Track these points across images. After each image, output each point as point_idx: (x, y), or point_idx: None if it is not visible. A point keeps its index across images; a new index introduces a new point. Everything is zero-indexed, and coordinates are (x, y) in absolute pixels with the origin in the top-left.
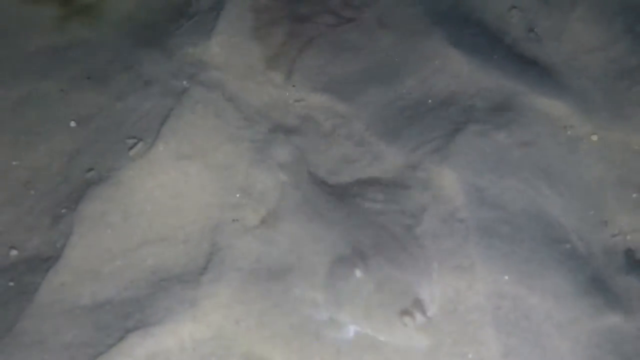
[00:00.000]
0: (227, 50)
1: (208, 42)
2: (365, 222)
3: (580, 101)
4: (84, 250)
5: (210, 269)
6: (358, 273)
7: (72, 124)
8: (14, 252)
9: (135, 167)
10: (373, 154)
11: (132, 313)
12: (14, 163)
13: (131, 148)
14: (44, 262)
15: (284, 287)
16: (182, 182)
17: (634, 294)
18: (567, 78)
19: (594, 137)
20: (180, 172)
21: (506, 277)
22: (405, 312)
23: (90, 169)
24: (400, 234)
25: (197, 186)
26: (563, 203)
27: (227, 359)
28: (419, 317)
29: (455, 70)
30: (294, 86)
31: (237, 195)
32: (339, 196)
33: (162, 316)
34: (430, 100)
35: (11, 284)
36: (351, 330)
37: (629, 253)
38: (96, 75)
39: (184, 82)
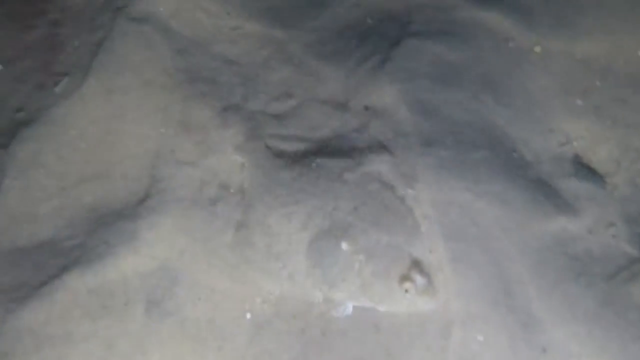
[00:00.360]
0: None
1: None
2: (335, 183)
3: (522, 13)
4: (19, 193)
5: (150, 201)
6: (344, 246)
7: None
8: None
9: (66, 105)
10: (314, 76)
11: (72, 250)
12: None
13: (57, 84)
14: None
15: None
16: (117, 117)
17: (581, 196)
18: None
19: (537, 49)
20: (115, 106)
21: (452, 185)
22: (404, 278)
23: (19, 110)
24: (378, 190)
25: (133, 120)
26: (509, 114)
27: (173, 289)
28: (419, 279)
29: None
30: (228, 14)
31: (175, 128)
32: (295, 158)
33: (102, 251)
34: (369, 20)
35: None
36: (349, 307)
37: (576, 159)
38: (20, 16)
39: (114, 15)
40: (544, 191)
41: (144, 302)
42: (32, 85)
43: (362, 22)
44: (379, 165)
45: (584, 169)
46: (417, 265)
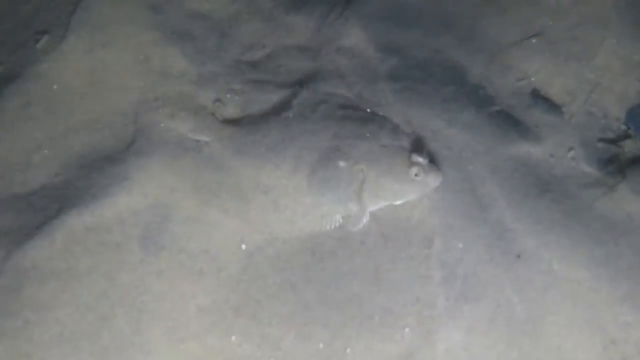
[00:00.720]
0: None
1: None
2: (308, 122)
3: None
4: (9, 144)
5: (137, 145)
6: (341, 164)
7: None
8: None
9: (48, 60)
10: (284, 28)
11: (66, 194)
12: None
13: (38, 41)
14: None
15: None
16: (99, 70)
17: (541, 125)
18: None
19: None
20: (96, 60)
21: (423, 112)
22: (410, 165)
23: (1, 65)
24: (351, 113)
25: (115, 72)
26: (469, 53)
27: (167, 225)
28: (422, 161)
29: None
30: None
31: (155, 78)
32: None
33: (96, 192)
34: None
35: None
36: (365, 217)
37: (534, 92)
38: None
39: None
40: (508, 121)
41: (140, 238)
42: (13, 44)
43: None
44: (349, 94)
45: (542, 100)
46: (415, 150)
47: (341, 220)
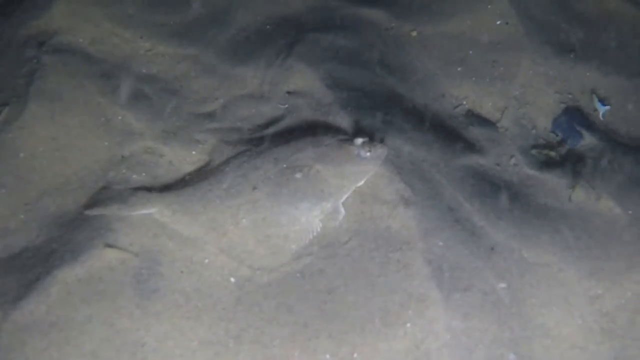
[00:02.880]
0: (69, 17)
1: (50, 12)
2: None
3: (394, 7)
4: None
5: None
6: (298, 175)
7: None
8: None
9: (12, 130)
10: (233, 79)
11: (51, 252)
12: None
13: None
14: None
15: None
16: (63, 135)
17: (481, 139)
18: None
19: (414, 33)
20: (59, 125)
21: (387, 139)
22: (357, 147)
23: None
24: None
25: (79, 135)
26: (406, 86)
27: (157, 268)
28: (364, 140)
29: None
30: (141, 38)
31: (119, 137)
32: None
33: (83, 246)
34: (267, 26)
35: None
36: (340, 211)
37: (469, 113)
38: None
39: (38, 49)
40: (454, 138)
41: (132, 284)
42: None
43: (262, 29)
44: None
45: (477, 119)
46: (356, 135)
47: (321, 223)
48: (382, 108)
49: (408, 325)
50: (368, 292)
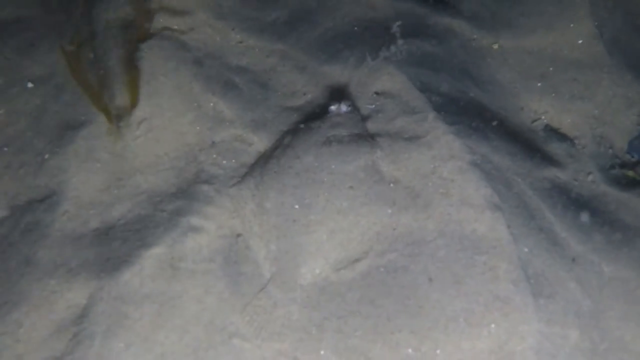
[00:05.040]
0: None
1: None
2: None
3: (478, 19)
4: (79, 184)
5: (202, 181)
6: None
7: (29, 84)
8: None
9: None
10: (321, 76)
11: (144, 227)
12: None
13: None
14: (41, 202)
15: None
16: (156, 116)
17: (560, 154)
18: (459, 3)
19: (495, 46)
20: (153, 106)
21: (473, 141)
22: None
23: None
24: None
25: (170, 118)
26: (487, 96)
27: (247, 253)
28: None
29: (370, 3)
30: (233, 30)
31: (209, 123)
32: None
33: (175, 223)
34: (356, 28)
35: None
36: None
37: (547, 128)
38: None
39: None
40: (533, 150)
41: (222, 266)
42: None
43: (350, 30)
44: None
45: (556, 135)
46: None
47: None
48: (468, 115)
49: (492, 326)
50: (453, 292)
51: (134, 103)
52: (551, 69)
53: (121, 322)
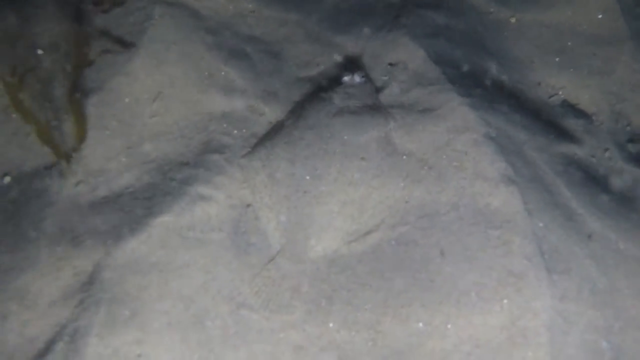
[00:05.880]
0: None
1: None
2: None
3: None
4: (89, 152)
5: (210, 152)
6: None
7: (39, 51)
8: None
9: (120, 75)
10: (334, 47)
11: (152, 196)
12: None
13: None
14: (49, 169)
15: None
16: (167, 85)
17: (577, 130)
18: None
19: (513, 19)
20: (164, 76)
21: (489, 114)
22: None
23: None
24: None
25: (182, 87)
26: (504, 70)
27: (256, 224)
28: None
29: None
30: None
31: (220, 92)
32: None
33: (183, 194)
34: None
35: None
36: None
37: (564, 103)
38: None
39: (151, 2)
40: (550, 125)
41: (230, 235)
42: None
43: (365, 1)
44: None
45: (573, 110)
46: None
47: None
48: (484, 88)
49: (505, 301)
50: (465, 266)
51: (81, 137)
52: (569, 43)
53: (127, 290)
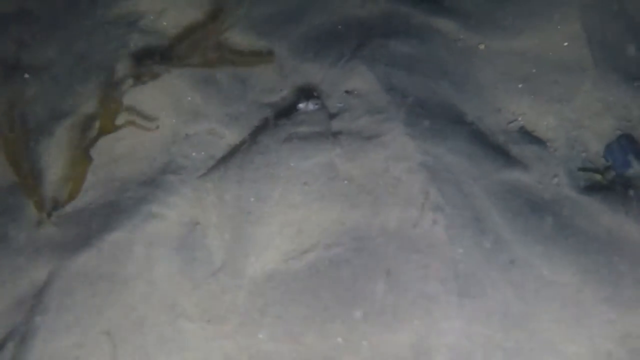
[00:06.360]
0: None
1: None
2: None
3: (466, 18)
4: (56, 170)
5: (171, 172)
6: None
7: (26, 75)
8: None
9: None
10: (299, 73)
11: (110, 212)
12: None
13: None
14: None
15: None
16: (135, 107)
17: (529, 157)
18: (450, 2)
19: (481, 46)
20: (132, 99)
21: (429, 143)
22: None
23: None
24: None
25: (150, 110)
26: (464, 97)
27: (202, 240)
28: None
29: (359, 2)
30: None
31: (187, 116)
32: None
33: (138, 211)
34: (339, 27)
35: None
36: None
37: (522, 129)
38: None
39: (127, 28)
40: (499, 152)
41: (177, 250)
42: (59, 89)
43: (334, 30)
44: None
45: (529, 136)
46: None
47: None
48: (433, 116)
49: (416, 321)
50: (386, 287)
51: (73, 195)
52: (534, 70)
53: (75, 298)
